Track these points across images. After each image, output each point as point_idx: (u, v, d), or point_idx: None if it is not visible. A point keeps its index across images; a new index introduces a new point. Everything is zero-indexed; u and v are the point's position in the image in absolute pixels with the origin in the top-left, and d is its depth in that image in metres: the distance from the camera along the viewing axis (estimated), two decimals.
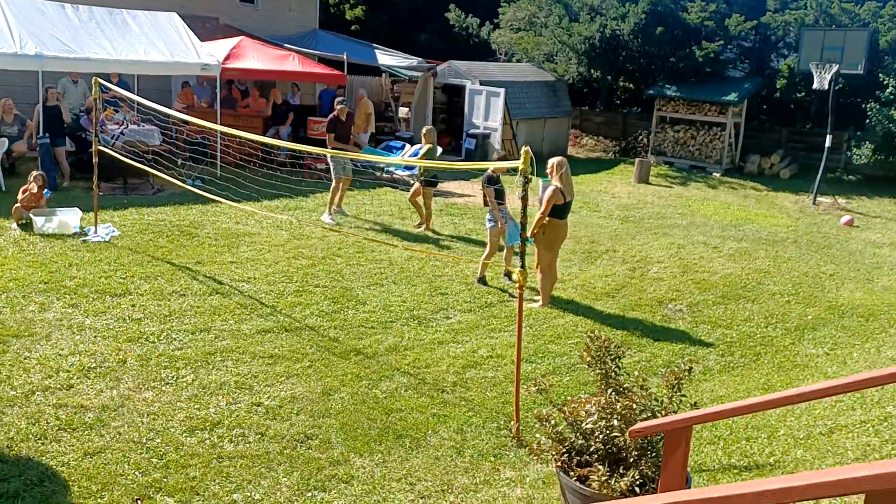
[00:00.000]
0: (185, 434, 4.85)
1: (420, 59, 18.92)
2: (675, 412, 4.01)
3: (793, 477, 1.71)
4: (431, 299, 7.88)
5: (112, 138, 11.88)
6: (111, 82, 11.69)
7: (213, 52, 13.69)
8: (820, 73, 15.48)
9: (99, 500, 4.11)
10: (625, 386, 4.16)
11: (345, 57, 15.93)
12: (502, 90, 17.50)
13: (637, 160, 17.72)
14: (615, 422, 3.96)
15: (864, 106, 17.17)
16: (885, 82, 16.53)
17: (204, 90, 15.29)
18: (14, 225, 9.01)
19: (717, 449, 5.24)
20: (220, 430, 4.95)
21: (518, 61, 21.96)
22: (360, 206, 11.90)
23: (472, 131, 17.68)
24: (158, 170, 9.44)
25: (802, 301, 8.88)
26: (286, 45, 16.91)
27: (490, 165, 6.64)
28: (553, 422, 4.20)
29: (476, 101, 17.88)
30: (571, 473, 4.00)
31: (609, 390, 4.10)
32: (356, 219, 11.15)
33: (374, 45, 19.50)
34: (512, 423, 5.21)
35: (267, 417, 5.17)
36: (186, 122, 10.99)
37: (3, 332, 6.09)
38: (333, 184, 10.87)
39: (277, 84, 15.97)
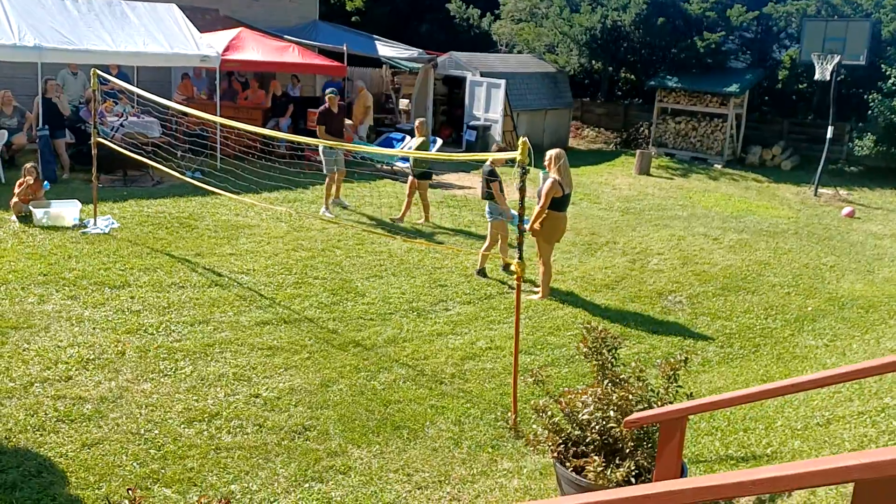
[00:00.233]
0: (183, 425, 4.87)
1: (420, 50, 18.84)
2: (671, 403, 4.01)
3: (782, 466, 1.71)
4: (431, 291, 7.88)
5: (112, 130, 11.87)
6: (111, 74, 11.68)
7: (213, 44, 13.64)
8: (822, 63, 15.41)
9: (97, 491, 4.12)
10: (621, 377, 4.16)
11: (345, 48, 15.88)
12: (503, 81, 17.45)
13: (638, 152, 17.68)
14: (611, 413, 3.97)
15: (866, 97, 17.10)
16: (887, 73, 16.45)
17: (203, 82, 15.26)
18: (13, 217, 9.01)
19: (715, 440, 5.24)
20: (218, 421, 4.96)
21: (519, 52, 21.89)
22: (360, 198, 11.88)
23: (472, 123, 17.63)
24: (158, 162, 9.43)
25: (802, 292, 8.87)
26: (286, 36, 16.84)
27: (486, 156, 6.62)
28: (550, 413, 4.21)
29: (477, 93, 17.83)
30: (567, 464, 4.01)
31: (605, 381, 4.10)
32: (354, 212, 11.14)
33: (374, 36, 19.42)
34: (509, 414, 5.22)
35: (265, 409, 5.17)
36: (186, 114, 10.97)
37: (2, 323, 6.10)
38: (327, 179, 10.72)
39: (277, 76, 15.93)
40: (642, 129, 20.95)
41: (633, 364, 4.41)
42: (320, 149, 10.52)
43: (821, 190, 15.65)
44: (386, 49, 18.42)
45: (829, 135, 15.74)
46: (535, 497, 4.43)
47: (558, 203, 7.72)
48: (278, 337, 6.37)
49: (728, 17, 18.88)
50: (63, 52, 11.58)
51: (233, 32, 14.66)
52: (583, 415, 4.03)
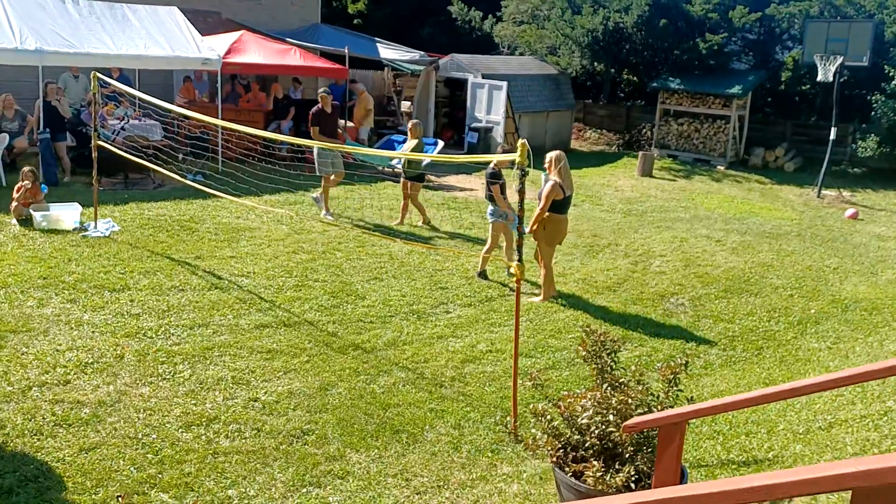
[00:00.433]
0: (181, 430, 4.84)
1: (422, 52, 18.84)
2: (672, 407, 3.98)
3: (779, 473, 1.68)
4: (431, 294, 7.86)
5: (113, 133, 11.87)
6: (112, 77, 11.69)
7: (214, 47, 13.66)
8: (824, 65, 15.36)
9: (93, 497, 4.10)
10: (621, 381, 4.12)
11: (346, 51, 15.88)
12: (505, 83, 17.43)
13: (640, 153, 17.65)
14: (611, 417, 3.94)
15: (869, 98, 17.04)
16: (890, 74, 16.39)
17: (205, 84, 15.26)
18: (13, 220, 9.01)
19: (717, 444, 5.21)
20: (216, 425, 4.94)
21: (521, 54, 21.87)
22: (360, 200, 11.87)
23: (474, 125, 17.62)
24: (159, 165, 9.43)
25: (805, 295, 8.82)
26: (288, 39, 16.85)
27: (487, 158, 6.59)
28: (549, 417, 4.18)
29: (478, 95, 17.81)
30: (567, 469, 3.97)
31: (605, 385, 4.07)
32: (347, 218, 11.12)
33: (376, 38, 19.42)
34: (508, 418, 5.19)
35: (263, 413, 5.15)
36: (187, 117, 10.97)
37: (1, 327, 6.09)
38: (324, 181, 10.60)
39: (279, 79, 15.94)
40: (645, 130, 20.91)
41: (633, 367, 4.38)
42: (314, 150, 10.42)
43: (824, 192, 15.60)
44: (387, 51, 18.42)
45: (832, 136, 15.69)
46: (534, 502, 4.39)
47: (559, 205, 7.69)
48: (278, 340, 6.35)
49: (730, 19, 18.83)
50: (64, 56, 11.59)
51: (234, 35, 14.67)
52: (582, 419, 4.00)
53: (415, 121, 10.92)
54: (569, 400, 4.15)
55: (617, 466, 3.87)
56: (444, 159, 6.96)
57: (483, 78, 17.73)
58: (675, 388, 4.08)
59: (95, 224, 9.02)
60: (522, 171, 4.84)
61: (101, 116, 10.86)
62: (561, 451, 4.06)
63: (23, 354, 5.67)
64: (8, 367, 5.44)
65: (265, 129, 14.17)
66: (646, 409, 4.00)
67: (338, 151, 10.39)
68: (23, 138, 11.87)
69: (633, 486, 3.78)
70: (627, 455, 3.92)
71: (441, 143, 14.81)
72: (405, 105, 18.75)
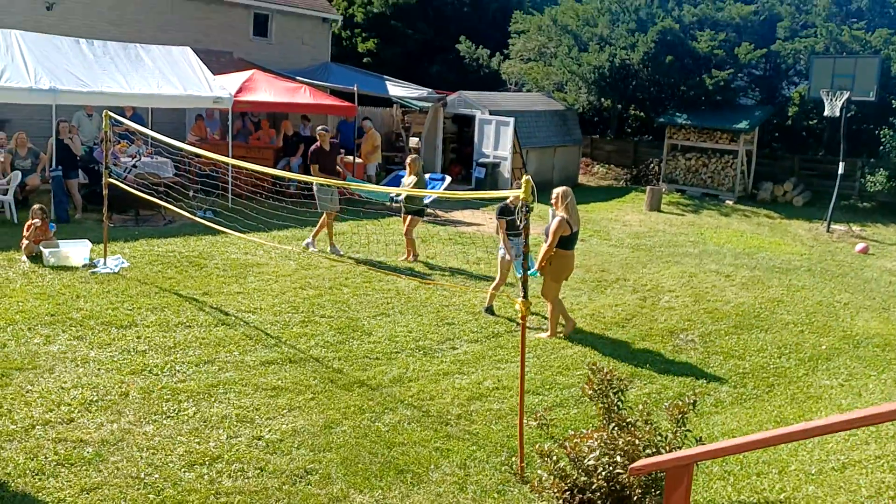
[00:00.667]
0: (183, 469, 4.80)
1: (430, 89, 19.07)
2: (680, 447, 3.91)
3: None
4: (438, 329, 7.82)
5: (125, 171, 12.01)
6: (125, 115, 11.87)
7: (226, 86, 13.86)
8: (831, 100, 15.41)
9: None
10: (628, 420, 4.06)
11: (355, 88, 16.09)
12: (512, 119, 17.57)
13: (648, 188, 17.66)
14: (618, 458, 3.87)
15: (877, 132, 17.05)
16: None
17: (216, 122, 15.47)
18: (24, 258, 9.08)
19: (727, 485, 5.10)
20: (219, 464, 4.89)
21: (528, 91, 22.08)
22: (368, 235, 11.90)
23: (482, 160, 17.72)
24: (170, 201, 9.51)
25: (816, 331, 8.72)
26: (298, 77, 17.11)
27: (490, 195, 6.60)
28: (555, 458, 4.11)
29: (486, 131, 17.94)
30: None
31: (611, 425, 4.01)
32: (352, 253, 11.14)
33: (384, 76, 19.70)
34: (514, 458, 5.11)
35: (267, 451, 5.10)
36: (198, 155, 11.09)
37: (7, 365, 6.09)
38: (325, 217, 10.58)
39: (289, 116, 16.14)
40: (652, 165, 20.97)
41: (641, 406, 4.32)
42: (314, 187, 10.48)
43: (833, 226, 15.52)
44: (396, 89, 18.65)
45: (840, 171, 15.67)
46: None
47: (566, 241, 7.68)
48: (283, 377, 6.32)
49: (736, 55, 18.98)
50: (78, 95, 11.79)
51: (246, 74, 14.90)
52: (589, 460, 3.94)
53: (413, 156, 10.98)
54: (575, 440, 4.09)
55: None
56: (446, 195, 6.98)
57: (490, 114, 17.88)
58: (683, 429, 4.02)
59: (105, 260, 9.07)
60: (527, 207, 4.84)
61: (113, 154, 11.01)
62: (567, 493, 3.99)
63: (27, 392, 5.66)
64: (12, 406, 5.43)
65: (275, 165, 14.33)
66: (654, 451, 3.93)
67: (335, 188, 10.44)
68: (35, 176, 12.02)
69: None
70: (636, 498, 3.84)
71: (448, 179, 14.88)
72: (413, 141, 18.90)
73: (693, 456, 3.28)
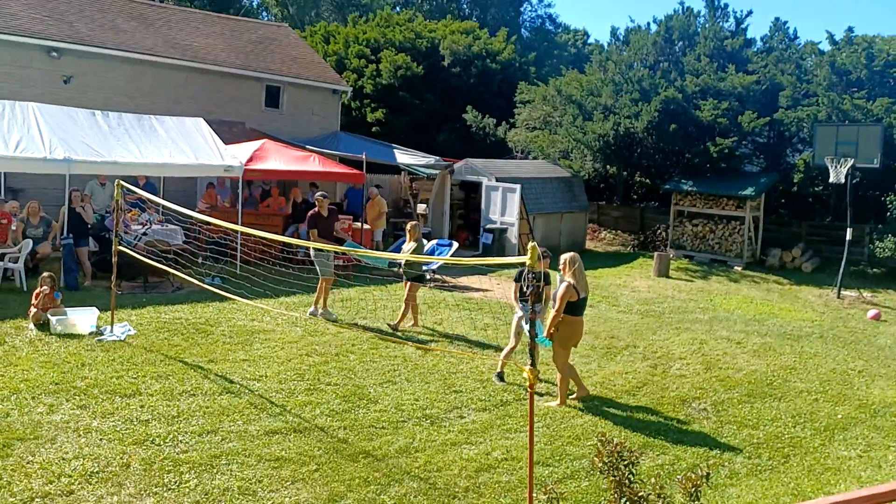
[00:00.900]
0: None
1: (438, 157, 19.38)
2: None
3: None
4: (445, 397, 7.70)
5: (135, 239, 12.13)
6: (138, 184, 12.07)
7: (237, 155, 14.12)
8: (835, 167, 15.53)
9: None
10: (640, 494, 3.94)
11: (363, 157, 16.37)
12: (518, 186, 17.76)
13: (656, 254, 17.66)
14: None
15: (883, 199, 17.10)
16: None
17: (226, 190, 15.69)
18: (31, 325, 9.08)
19: None
20: None
21: (534, 158, 22.40)
22: (375, 301, 11.88)
23: (489, 226, 17.84)
24: (178, 268, 9.55)
25: (831, 399, 8.54)
26: (308, 146, 17.44)
27: (497, 261, 6.59)
28: None
29: (493, 197, 18.13)
30: None
31: (623, 500, 3.89)
32: (360, 318, 11.10)
33: (392, 144, 20.06)
34: None
35: None
36: (207, 223, 11.20)
37: (9, 434, 6.01)
38: (323, 283, 10.57)
39: (298, 183, 16.37)
40: (659, 231, 21.03)
41: (654, 479, 4.20)
42: (311, 253, 10.52)
43: (844, 292, 15.41)
44: (404, 157, 18.96)
45: (848, 237, 15.66)
46: None
47: (574, 307, 7.63)
48: (287, 447, 6.20)
49: (740, 123, 19.26)
50: (92, 164, 12.02)
51: (257, 143, 15.20)
52: None
53: (413, 223, 11.08)
54: None
55: None
56: (451, 261, 7.00)
57: (497, 181, 18.09)
58: (697, 503, 3.89)
59: (112, 328, 9.06)
60: (533, 273, 4.83)
61: (124, 222, 11.13)
62: None
63: (28, 463, 5.57)
64: (12, 477, 5.33)
65: (284, 232, 14.44)
66: None
67: (332, 253, 10.50)
68: (46, 244, 12.14)
69: None
70: None
71: (455, 245, 14.95)
72: (421, 207, 19.10)
73: None
